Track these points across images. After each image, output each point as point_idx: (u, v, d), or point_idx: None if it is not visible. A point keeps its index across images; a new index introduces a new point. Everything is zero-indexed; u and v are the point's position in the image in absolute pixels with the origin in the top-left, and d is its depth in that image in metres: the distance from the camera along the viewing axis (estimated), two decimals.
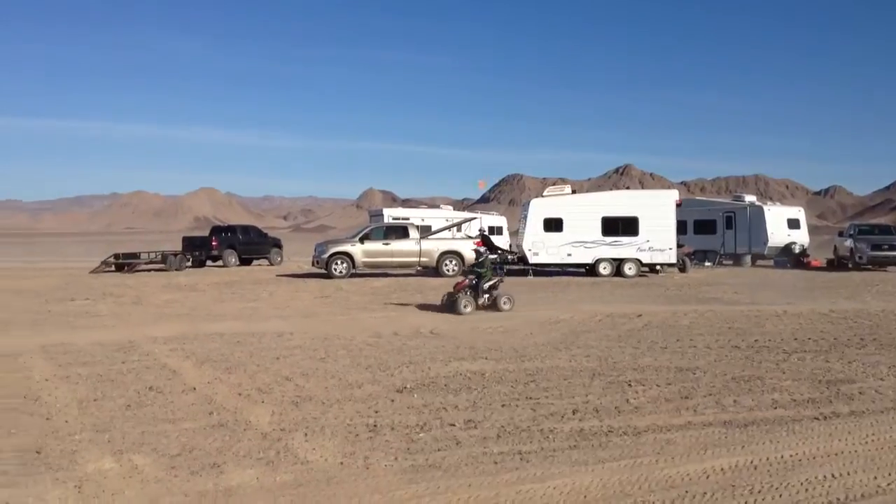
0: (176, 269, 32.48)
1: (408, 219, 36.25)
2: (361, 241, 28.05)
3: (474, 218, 41.16)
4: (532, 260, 29.27)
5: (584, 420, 8.21)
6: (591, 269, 29.35)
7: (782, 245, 37.21)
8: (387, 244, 28.14)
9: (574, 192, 31.87)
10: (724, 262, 38.16)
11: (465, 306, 17.09)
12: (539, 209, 29.69)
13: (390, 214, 40.10)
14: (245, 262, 36.32)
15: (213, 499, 5.97)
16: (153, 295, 22.02)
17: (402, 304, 19.53)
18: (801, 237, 37.91)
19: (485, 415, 8.40)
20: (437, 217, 39.37)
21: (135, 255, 34.03)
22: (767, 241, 37.02)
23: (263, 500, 5.92)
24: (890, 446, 7.36)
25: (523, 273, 29.28)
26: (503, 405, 8.83)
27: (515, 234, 36.37)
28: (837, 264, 35.46)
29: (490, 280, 17.82)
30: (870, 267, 33.51)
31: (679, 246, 30.37)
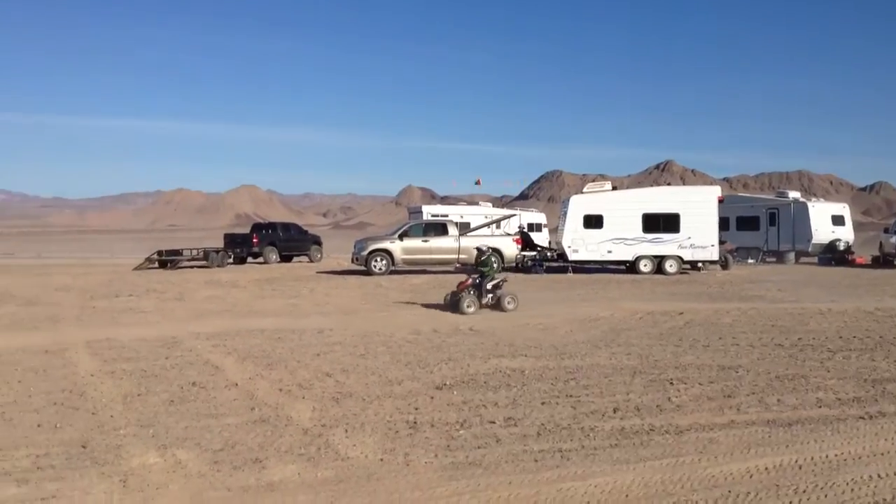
0: (218, 266, 32.83)
1: (447, 216, 36.29)
2: (400, 238, 28.13)
3: (513, 215, 41.12)
4: (572, 257, 29.14)
5: (625, 418, 8.16)
6: (631, 267, 29.15)
7: (826, 242, 36.64)
8: (426, 241, 28.18)
9: (614, 188, 31.67)
10: (768, 259, 37.69)
11: (468, 306, 16.81)
12: (579, 206, 29.55)
13: (429, 211, 40.15)
14: (285, 258, 36.60)
15: (256, 494, 6.03)
16: (195, 291, 22.27)
17: (440, 302, 19.52)
18: (846, 234, 37.30)
19: (525, 412, 8.38)
20: (476, 214, 39.35)
21: (177, 252, 34.45)
22: (811, 237, 36.49)
23: (304, 496, 5.96)
24: None
25: (563, 270, 29.18)
26: (543, 403, 8.80)
27: (555, 230, 36.22)
28: (883, 261, 34.79)
29: (494, 279, 17.57)
30: None
31: (721, 243, 30.06)
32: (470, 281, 17.59)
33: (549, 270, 29.47)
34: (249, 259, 36.01)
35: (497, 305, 17.23)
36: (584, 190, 31.13)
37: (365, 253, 27.78)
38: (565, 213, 29.71)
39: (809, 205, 37.54)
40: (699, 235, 28.80)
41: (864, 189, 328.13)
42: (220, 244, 36.68)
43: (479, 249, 18.40)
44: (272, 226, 39.65)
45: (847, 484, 6.22)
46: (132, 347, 12.41)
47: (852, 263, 34.87)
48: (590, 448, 7.13)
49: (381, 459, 6.81)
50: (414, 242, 28.01)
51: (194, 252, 34.06)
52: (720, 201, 29.76)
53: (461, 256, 28.31)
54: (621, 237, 28.86)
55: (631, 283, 25.25)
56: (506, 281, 18.12)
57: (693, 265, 29.71)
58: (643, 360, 11.32)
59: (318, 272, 29.88)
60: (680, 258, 28.93)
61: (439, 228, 29.08)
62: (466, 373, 10.45)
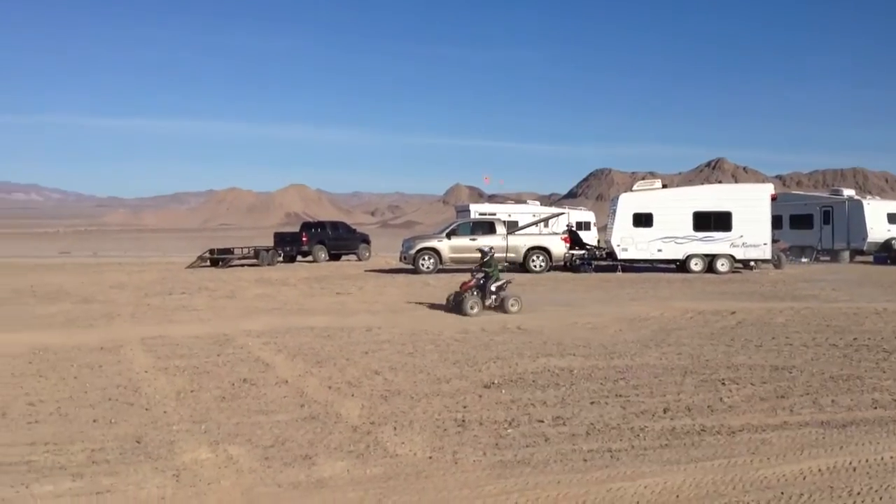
0: (268, 265, 33.22)
1: (494, 214, 36.21)
2: (448, 236, 28.17)
3: (562, 213, 40.89)
4: (621, 256, 28.90)
5: (675, 419, 8.07)
6: (681, 266, 28.81)
7: (882, 240, 35.81)
8: (473, 240, 28.15)
9: (664, 186, 31.31)
10: (821, 258, 37.02)
11: (471, 307, 16.45)
12: (628, 204, 29.29)
13: (477, 210, 40.09)
14: (334, 257, 36.89)
15: (306, 490, 6.07)
16: (246, 289, 22.55)
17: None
18: None
19: (574, 412, 8.33)
20: (524, 212, 39.20)
21: (229, 251, 34.95)
22: (866, 236, 35.72)
23: (354, 493, 5.99)
24: None
25: (611, 269, 28.95)
26: (592, 402, 8.73)
27: (604, 229, 35.95)
28: None
29: (498, 280, 17.24)
30: None
31: (774, 241, 29.56)
32: (473, 282, 17.24)
33: (598, 269, 29.25)
34: (299, 257, 36.38)
35: (501, 307, 16.80)
36: (634, 188, 30.84)
37: (413, 252, 27.87)
38: (614, 212, 29.47)
39: (864, 202, 36.75)
40: (751, 234, 28.38)
41: None
42: (270, 243, 37.08)
43: (481, 250, 18.06)
44: (321, 225, 39.99)
45: None
46: (185, 344, 12.60)
47: None
48: (640, 448, 7.07)
49: (430, 457, 6.82)
50: (461, 241, 28.01)
51: (245, 251, 34.53)
52: (773, 199, 29.27)
53: (509, 255, 28.25)
54: (672, 236, 28.55)
55: (681, 282, 24.97)
56: (510, 282, 17.77)
57: (745, 264, 29.31)
58: (694, 360, 11.18)
59: (366, 270, 30.06)
60: (732, 257, 28.53)
61: (487, 227, 29.06)
62: (515, 371, 10.42)
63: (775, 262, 30.60)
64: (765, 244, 28.53)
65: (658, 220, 28.67)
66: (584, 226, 42.79)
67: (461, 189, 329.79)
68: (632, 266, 29.64)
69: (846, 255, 36.31)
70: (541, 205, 48.17)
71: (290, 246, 36.29)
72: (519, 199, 51.05)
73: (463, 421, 7.97)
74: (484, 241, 27.84)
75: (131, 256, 45.59)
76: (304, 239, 36.16)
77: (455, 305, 16.94)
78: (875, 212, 36.37)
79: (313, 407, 8.59)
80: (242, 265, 33.39)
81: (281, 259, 35.18)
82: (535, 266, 27.96)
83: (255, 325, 14.83)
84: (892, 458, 6.77)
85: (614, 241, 28.97)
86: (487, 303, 16.83)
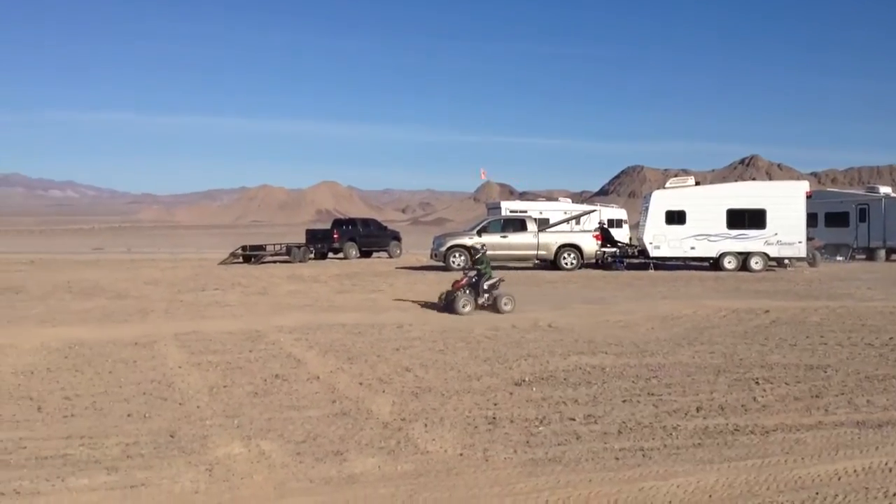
0: (300, 261, 33.39)
1: (525, 211, 36.13)
2: (479, 233, 28.12)
3: (593, 211, 40.67)
4: (653, 253, 28.69)
5: (708, 418, 8.00)
6: (714, 264, 28.53)
7: None
8: (504, 237, 28.13)
9: (697, 183, 31.03)
10: (857, 256, 36.46)
11: (463, 306, 16.19)
12: (661, 201, 29.05)
13: (508, 207, 40.02)
14: (365, 254, 36.97)
15: (337, 485, 6.10)
16: (278, 286, 22.67)
17: (520, 298, 19.45)
18: None
19: (605, 410, 8.29)
20: (556, 210, 39.09)
21: (261, 248, 35.16)
22: None
23: (385, 489, 6.01)
24: None
25: (644, 267, 28.74)
26: (624, 400, 8.69)
27: (636, 226, 35.71)
28: None
29: (491, 279, 16.95)
30: None
31: (809, 239, 29.17)
32: (465, 280, 17.00)
33: (630, 267, 29.07)
34: (330, 254, 36.51)
35: (493, 306, 16.54)
36: (667, 185, 30.57)
37: (444, 249, 27.85)
38: (647, 209, 29.25)
39: None
40: (786, 232, 28.03)
41: None
42: (301, 239, 37.26)
43: (473, 248, 17.80)
44: (352, 222, 40.08)
45: None
46: (218, 340, 12.70)
47: None
48: (672, 447, 7.02)
49: (461, 454, 6.82)
50: (492, 238, 27.95)
51: (277, 247, 34.71)
52: (808, 197, 28.88)
53: (540, 252, 28.20)
54: (705, 233, 28.27)
55: (714, 280, 24.74)
56: (503, 281, 17.46)
57: (779, 262, 28.98)
58: (727, 359, 11.08)
59: (397, 268, 30.11)
60: (766, 255, 28.20)
61: (518, 224, 29.01)
62: (545, 369, 10.39)
63: (810, 261, 30.21)
64: (799, 242, 28.17)
65: (691, 217, 28.41)
66: (616, 223, 42.58)
67: (492, 186, 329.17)
68: (664, 264, 29.41)
69: (882, 253, 35.74)
70: (572, 202, 47.98)
71: (322, 243, 36.44)
72: (550, 197, 50.90)
73: (494, 418, 7.96)
74: (516, 239, 27.89)
75: (164, 253, 46.03)
76: (335, 236, 36.29)
77: (447, 304, 16.72)
78: None
79: (344, 403, 8.63)
80: (274, 262, 33.57)
81: (312, 256, 35.34)
82: (566, 263, 27.84)
83: (287, 321, 14.90)
84: None
85: (646, 239, 28.76)
86: (480, 301, 16.58)
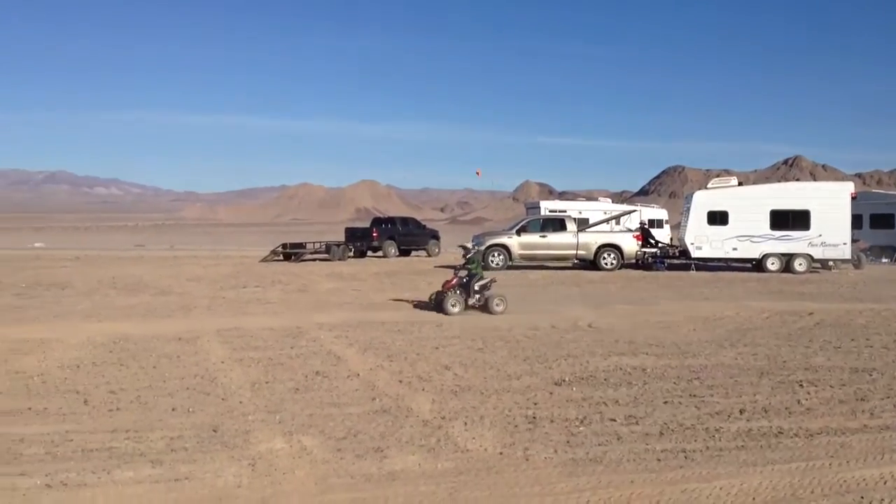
0: (339, 259, 33.53)
1: (565, 211, 35.95)
2: (518, 233, 28.04)
3: (634, 211, 40.34)
4: (695, 254, 28.38)
5: (752, 420, 7.91)
6: (757, 265, 28.16)
7: None
8: (544, 237, 28.02)
9: (740, 183, 30.64)
10: None
11: (453, 305, 16.01)
12: (703, 202, 28.73)
13: (547, 207, 39.84)
14: (404, 252, 37.02)
15: (378, 482, 6.13)
16: (318, 283, 22.82)
17: (558, 297, 19.38)
18: None
19: (646, 411, 8.22)
20: (595, 210, 38.83)
21: (301, 245, 35.41)
22: None
23: (426, 486, 6.02)
24: None
25: (685, 267, 28.47)
26: (665, 402, 8.61)
27: (677, 227, 35.39)
28: None
29: (482, 279, 16.72)
30: None
31: (854, 241, 28.68)
32: (456, 280, 16.76)
33: (671, 268, 28.81)
34: (369, 253, 36.64)
35: (485, 307, 16.33)
36: (709, 185, 30.25)
37: (482, 248, 27.81)
38: (688, 209, 28.94)
39: None
40: (830, 233, 27.58)
41: None
42: (340, 238, 37.44)
43: (465, 248, 17.54)
44: (391, 220, 40.18)
45: None
46: (259, 336, 12.82)
47: None
48: (715, 449, 6.95)
49: (501, 453, 6.82)
50: (532, 238, 27.88)
51: (317, 245, 34.93)
52: (853, 198, 28.39)
53: (580, 252, 28.03)
54: (747, 234, 27.91)
55: (757, 281, 24.43)
56: (494, 281, 17.17)
57: (823, 264, 28.53)
58: (771, 361, 10.94)
59: (435, 266, 30.09)
60: (810, 256, 27.78)
61: (557, 224, 28.87)
62: (586, 369, 10.34)
63: (855, 263, 29.69)
64: (844, 244, 27.70)
65: (734, 218, 28.06)
66: (657, 223, 42.18)
67: (531, 186, 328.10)
68: (705, 265, 29.10)
69: None
70: (612, 202, 47.64)
71: (361, 241, 36.59)
72: (590, 197, 50.60)
73: (534, 418, 7.94)
74: (555, 239, 27.77)
75: (206, 250, 46.54)
76: (374, 234, 36.41)
77: (436, 304, 16.56)
78: None
79: (384, 400, 8.66)
80: (314, 260, 33.80)
81: (352, 254, 35.49)
82: (606, 264, 27.65)
83: (327, 318, 14.99)
84: None
85: (688, 239, 28.47)
86: (471, 302, 16.36)
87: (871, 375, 10.00)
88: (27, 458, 6.65)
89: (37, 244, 54.00)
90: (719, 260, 28.95)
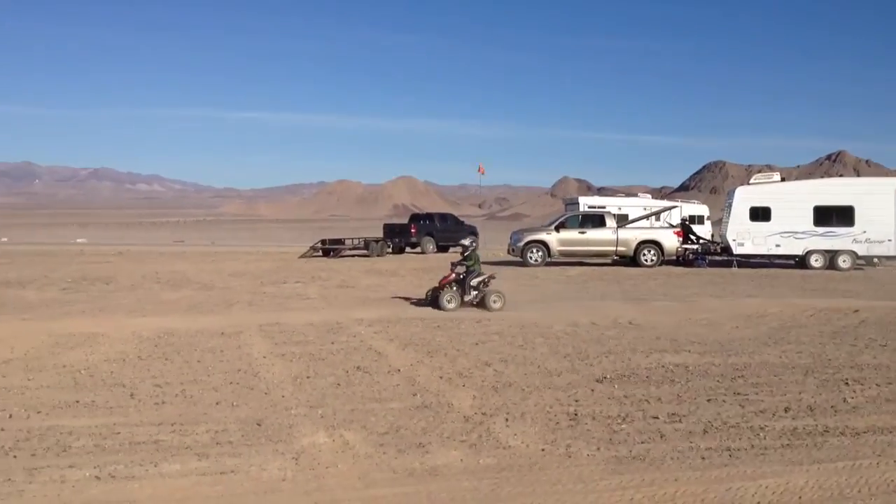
0: (377, 255, 33.69)
1: (604, 207, 35.72)
2: (557, 229, 27.94)
3: (674, 207, 39.97)
4: (737, 251, 28.08)
5: (797, 418, 7.82)
6: (800, 262, 27.79)
7: None
8: (583, 233, 27.88)
9: (783, 179, 30.24)
10: None
11: (448, 301, 15.86)
12: (745, 197, 28.41)
13: (586, 203, 39.60)
14: (442, 248, 37.07)
15: (420, 477, 6.15)
16: (357, 279, 22.95)
17: (598, 294, 19.28)
18: None
19: (690, 409, 8.16)
20: (635, 206, 38.51)
21: (340, 241, 35.60)
22: None
23: (468, 482, 6.04)
24: None
25: (726, 264, 28.16)
26: (709, 400, 8.54)
27: (718, 223, 34.99)
28: None
29: (480, 275, 16.50)
30: None
31: None
32: (453, 276, 16.55)
33: (712, 264, 28.51)
34: (407, 249, 36.75)
35: (482, 303, 16.12)
36: (752, 181, 29.91)
37: (521, 244, 27.76)
38: (730, 205, 28.64)
39: None
40: (875, 229, 27.13)
41: None
42: (378, 234, 37.59)
43: (462, 244, 17.32)
44: (430, 216, 40.25)
45: None
46: (300, 331, 12.91)
47: None
48: (760, 448, 6.88)
49: (543, 450, 6.81)
50: (571, 234, 27.77)
51: (355, 241, 35.09)
52: None
53: (619, 248, 27.85)
54: (790, 230, 27.55)
55: (801, 278, 24.10)
56: (493, 277, 16.94)
57: (868, 261, 28.06)
58: (815, 359, 10.79)
59: None
60: (854, 253, 27.36)
61: (597, 220, 28.71)
62: (627, 366, 10.28)
63: None
64: (889, 240, 27.23)
65: (776, 214, 27.70)
66: (698, 219, 41.73)
67: (569, 182, 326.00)
68: (747, 261, 28.77)
69: None
70: (651, 198, 47.20)
71: (400, 237, 36.72)
72: (629, 193, 50.14)
73: (575, 415, 7.92)
74: (595, 235, 27.61)
75: (247, 246, 46.99)
76: (412, 230, 36.53)
77: (432, 300, 16.47)
78: None
79: (425, 396, 8.69)
80: (353, 256, 33.99)
81: (390, 250, 35.63)
82: (646, 260, 27.44)
83: (367, 314, 15.05)
84: None
85: (730, 236, 28.17)
86: (467, 298, 16.20)
87: None
88: (76, 450, 6.78)
89: (79, 240, 54.89)
90: (762, 256, 28.61)
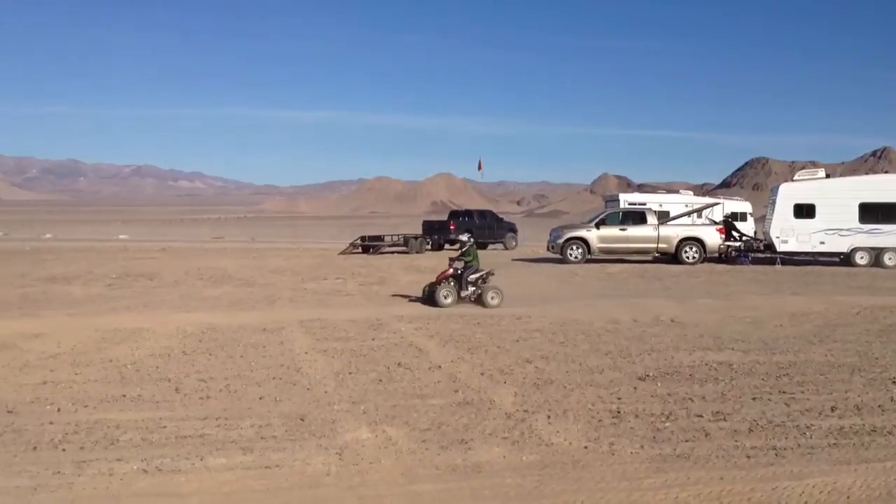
0: (416, 252, 33.75)
1: (645, 204, 35.38)
2: (597, 226, 27.74)
3: (716, 203, 39.48)
4: (780, 248, 27.69)
5: (844, 417, 7.71)
6: (845, 259, 27.31)
7: None
8: (623, 230, 27.65)
9: (828, 176, 29.75)
10: None
11: (445, 297, 15.81)
12: (789, 194, 28.00)
13: (626, 199, 39.24)
14: (481, 245, 36.86)
15: (463, 473, 6.17)
16: (396, 276, 23.00)
17: (639, 291, 19.13)
18: None
19: (734, 407, 8.08)
20: (676, 202, 38.07)
21: (379, 238, 35.72)
22: None
23: (511, 479, 6.04)
24: None
25: (770, 261, 27.79)
26: (754, 398, 8.45)
27: (761, 220, 34.53)
28: None
29: (478, 271, 16.38)
30: None
31: None
32: (451, 271, 16.43)
33: (756, 262, 28.14)
34: (446, 245, 36.76)
35: (479, 300, 16.03)
36: (796, 177, 29.45)
37: (561, 241, 27.61)
38: (774, 202, 28.25)
39: None
40: None
41: None
42: (417, 230, 37.62)
43: (460, 240, 17.13)
44: (469, 213, 40.22)
45: None
46: (341, 328, 12.99)
47: None
48: (806, 447, 6.79)
49: (586, 447, 6.79)
50: (611, 231, 27.56)
51: (395, 238, 35.17)
52: None
53: (660, 245, 27.57)
54: (835, 228, 27.09)
55: (846, 275, 23.69)
56: (492, 274, 16.84)
57: None
58: (862, 358, 10.62)
59: (513, 259, 30.06)
60: None
61: (637, 217, 28.43)
62: (670, 364, 10.20)
63: None
64: None
65: (821, 211, 27.26)
66: (740, 216, 41.16)
67: (609, 178, 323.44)
68: (791, 259, 28.37)
69: None
70: (693, 194, 46.65)
71: (438, 234, 36.74)
72: (670, 189, 49.63)
73: (618, 412, 7.88)
74: (635, 232, 27.39)
75: (287, 242, 47.32)
76: (451, 227, 36.50)
77: (428, 296, 16.34)
78: None
79: (467, 392, 8.70)
80: (392, 252, 34.06)
81: (429, 247, 35.66)
82: (687, 257, 27.15)
83: (407, 310, 15.10)
84: None
85: (773, 233, 27.78)
86: (464, 294, 16.12)
87: None
88: (123, 443, 6.89)
89: (121, 236, 55.66)
90: (805, 254, 28.21)
